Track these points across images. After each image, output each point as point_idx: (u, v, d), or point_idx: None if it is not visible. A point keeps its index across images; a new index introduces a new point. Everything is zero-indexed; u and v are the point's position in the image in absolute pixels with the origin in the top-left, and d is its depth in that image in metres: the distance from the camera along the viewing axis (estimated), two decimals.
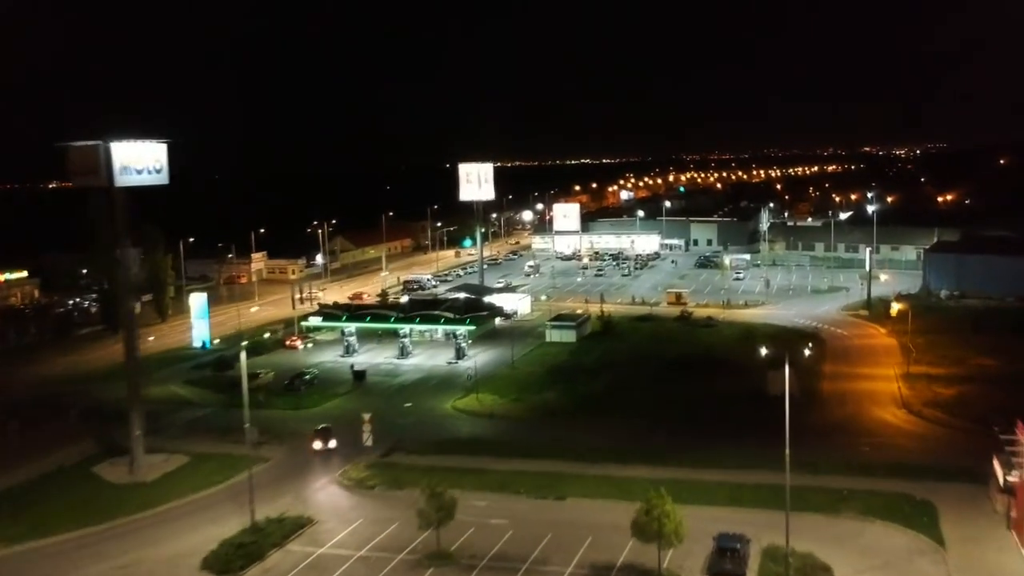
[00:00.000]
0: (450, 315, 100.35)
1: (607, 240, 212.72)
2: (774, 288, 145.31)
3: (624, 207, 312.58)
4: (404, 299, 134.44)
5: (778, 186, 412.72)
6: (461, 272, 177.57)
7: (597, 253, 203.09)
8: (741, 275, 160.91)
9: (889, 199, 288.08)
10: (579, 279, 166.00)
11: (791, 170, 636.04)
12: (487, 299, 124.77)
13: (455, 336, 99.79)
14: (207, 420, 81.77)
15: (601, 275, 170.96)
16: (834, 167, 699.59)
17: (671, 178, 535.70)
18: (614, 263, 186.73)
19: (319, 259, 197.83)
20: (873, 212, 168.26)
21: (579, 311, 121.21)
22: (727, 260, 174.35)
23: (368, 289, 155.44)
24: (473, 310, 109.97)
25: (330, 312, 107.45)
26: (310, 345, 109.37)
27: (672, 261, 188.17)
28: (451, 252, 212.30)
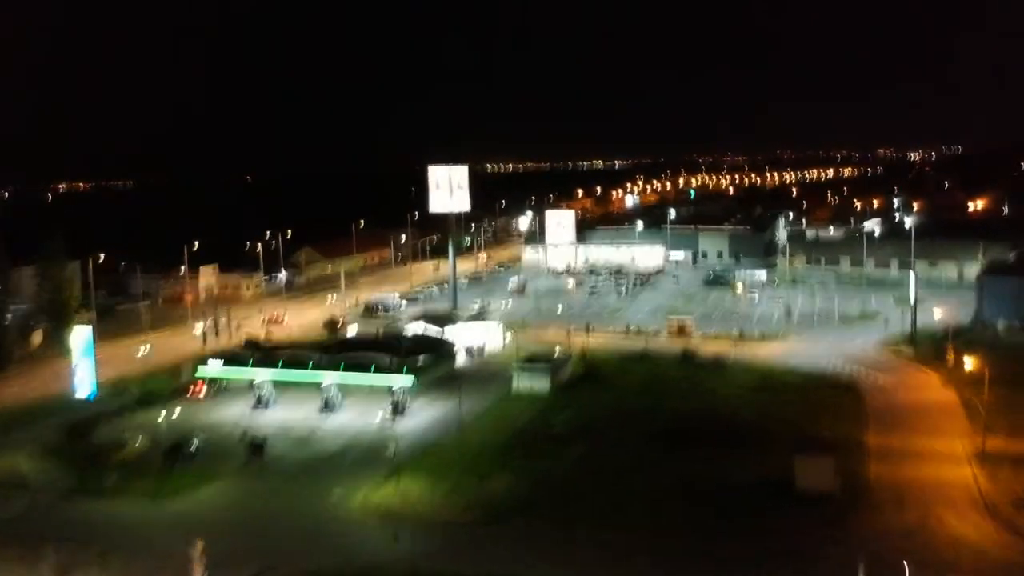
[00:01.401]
0: (387, 360, 78.49)
1: (606, 252, 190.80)
2: (795, 314, 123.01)
3: (629, 213, 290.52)
4: (352, 331, 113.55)
5: (793, 191, 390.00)
6: (437, 290, 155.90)
7: (593, 268, 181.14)
8: (756, 296, 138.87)
9: (915, 205, 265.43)
10: (568, 301, 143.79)
11: (806, 173, 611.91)
12: (451, 329, 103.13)
13: (391, 389, 77.93)
14: (33, 516, 60.15)
15: (595, 293, 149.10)
16: (850, 170, 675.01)
17: (681, 181, 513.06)
18: (611, 279, 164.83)
19: (283, 274, 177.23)
20: (911, 226, 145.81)
21: (558, 348, 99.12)
22: (740, 278, 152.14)
23: (313, 314, 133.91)
24: (424, 349, 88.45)
25: (236, 354, 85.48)
26: (206, 395, 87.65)
27: (674, 277, 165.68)
28: (430, 265, 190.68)
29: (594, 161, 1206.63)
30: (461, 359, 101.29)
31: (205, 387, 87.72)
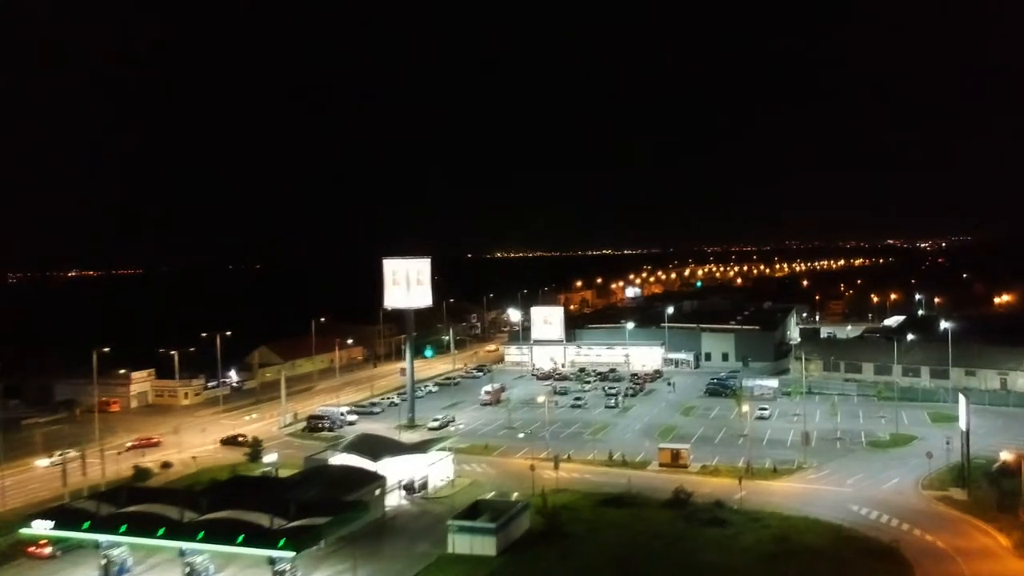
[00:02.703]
0: (266, 521, 58.07)
1: (598, 352, 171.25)
2: (814, 437, 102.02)
3: (628, 308, 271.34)
4: (270, 459, 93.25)
5: (804, 282, 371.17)
6: (398, 399, 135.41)
7: (583, 370, 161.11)
8: (767, 411, 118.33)
9: (936, 300, 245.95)
10: (549, 414, 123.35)
11: (816, 264, 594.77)
12: (386, 463, 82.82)
13: (272, 563, 57.32)
14: None
15: (580, 405, 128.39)
16: (861, 261, 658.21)
17: (687, 272, 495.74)
18: (600, 386, 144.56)
19: (233, 376, 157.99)
20: (947, 329, 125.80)
21: (515, 496, 78.43)
22: (748, 388, 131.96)
23: (246, 430, 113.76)
24: (336, 495, 68.34)
25: (70, 509, 64.78)
26: (59, 553, 67.48)
27: (669, 384, 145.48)
28: (400, 366, 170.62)
29: (604, 251, 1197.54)
30: (396, 500, 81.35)
31: (49, 546, 67.35)
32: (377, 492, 76.13)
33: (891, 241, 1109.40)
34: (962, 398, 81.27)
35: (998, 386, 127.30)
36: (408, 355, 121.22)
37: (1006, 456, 77.26)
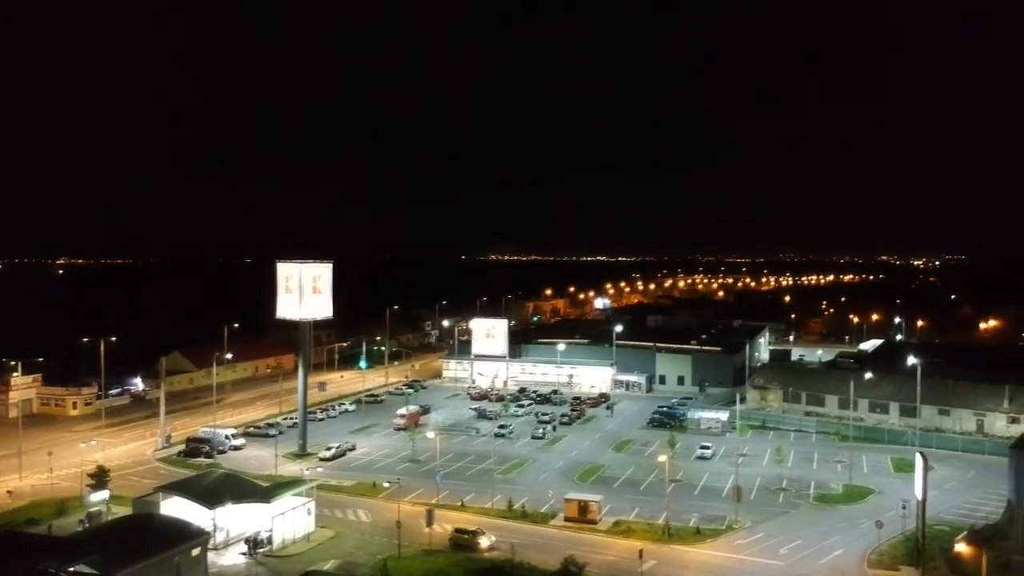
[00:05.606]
0: None
1: (544, 370, 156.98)
2: (753, 489, 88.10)
3: (599, 319, 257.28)
4: (97, 498, 78.59)
5: (786, 298, 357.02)
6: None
7: (522, 391, 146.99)
8: (709, 449, 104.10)
9: (919, 323, 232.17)
10: (467, 443, 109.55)
11: (804, 279, 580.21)
12: (226, 511, 68.59)
13: None
14: None
15: (506, 435, 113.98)
16: (851, 277, 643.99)
17: (669, 283, 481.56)
18: (535, 409, 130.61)
19: (138, 383, 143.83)
20: (916, 365, 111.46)
21: (361, 566, 63.98)
22: (694, 420, 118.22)
23: (120, 451, 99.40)
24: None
25: None
26: None
27: (607, 408, 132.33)
28: (324, 378, 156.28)
29: (599, 257, 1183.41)
30: (233, 558, 67.21)
31: None
32: (196, 552, 61.86)
33: (884, 257, 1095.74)
34: (919, 458, 66.99)
35: (974, 428, 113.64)
36: (301, 373, 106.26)
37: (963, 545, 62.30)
